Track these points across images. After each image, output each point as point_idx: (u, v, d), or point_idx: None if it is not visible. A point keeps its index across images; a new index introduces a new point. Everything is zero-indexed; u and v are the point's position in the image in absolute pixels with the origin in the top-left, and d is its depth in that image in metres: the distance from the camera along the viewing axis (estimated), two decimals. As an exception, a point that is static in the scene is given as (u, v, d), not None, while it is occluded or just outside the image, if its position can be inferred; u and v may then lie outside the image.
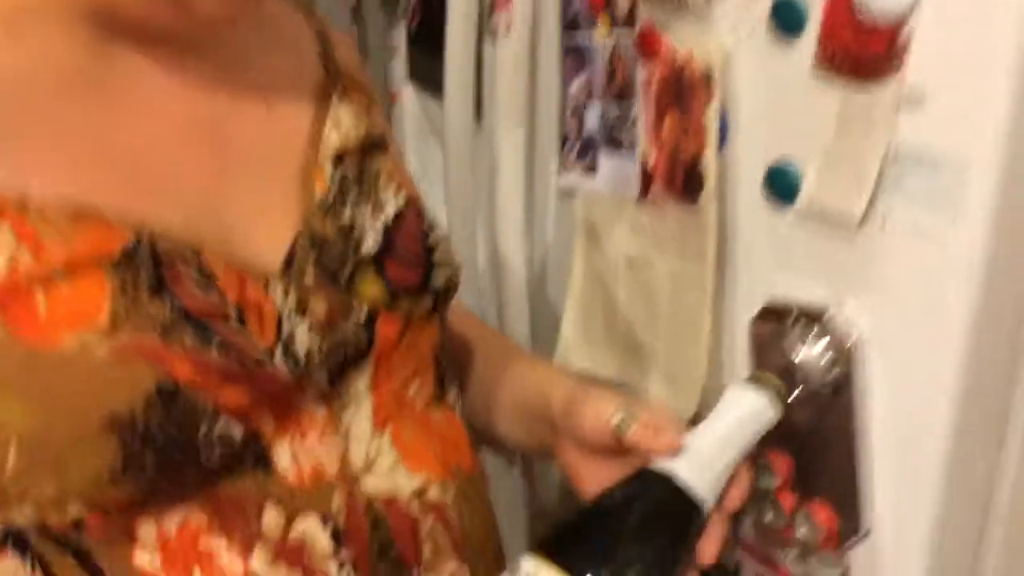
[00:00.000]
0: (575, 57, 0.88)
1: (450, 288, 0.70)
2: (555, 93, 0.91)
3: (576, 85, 0.89)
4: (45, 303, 0.51)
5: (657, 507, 0.59)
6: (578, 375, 0.84)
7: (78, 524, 0.54)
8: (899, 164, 0.58)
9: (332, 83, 0.72)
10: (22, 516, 0.54)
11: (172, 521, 0.56)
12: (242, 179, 0.63)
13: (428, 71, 1.19)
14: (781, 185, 0.67)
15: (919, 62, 0.56)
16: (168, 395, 0.53)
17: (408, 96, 1.30)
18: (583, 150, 0.89)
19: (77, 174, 0.55)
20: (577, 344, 0.92)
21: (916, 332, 0.61)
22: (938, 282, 0.58)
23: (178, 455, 0.54)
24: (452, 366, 0.75)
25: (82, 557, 0.56)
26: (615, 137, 0.84)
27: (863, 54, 0.59)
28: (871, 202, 0.60)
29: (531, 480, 1.00)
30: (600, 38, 0.84)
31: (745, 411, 0.62)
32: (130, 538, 0.55)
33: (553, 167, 0.93)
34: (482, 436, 0.76)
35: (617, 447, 0.64)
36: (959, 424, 0.59)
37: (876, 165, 0.59)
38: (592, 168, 0.87)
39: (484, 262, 1.04)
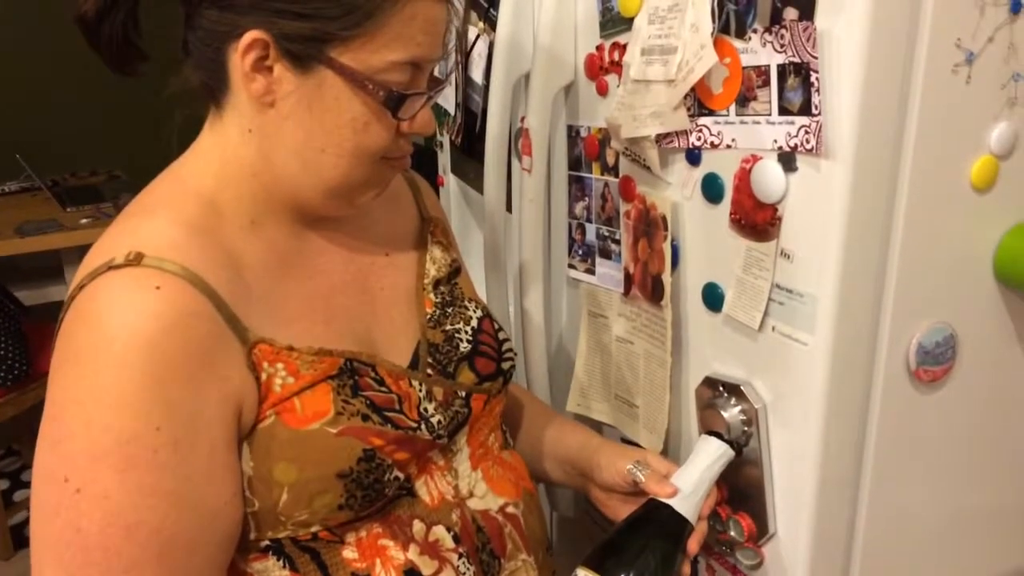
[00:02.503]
0: (578, 187, 1.14)
1: (512, 371, 0.94)
2: (564, 212, 1.17)
3: (579, 208, 1.14)
4: (300, 406, 0.73)
5: (661, 525, 0.87)
6: (590, 424, 1.10)
7: (314, 535, 0.76)
8: (778, 295, 0.85)
9: (425, 226, 0.95)
10: (283, 532, 0.75)
11: (363, 530, 0.78)
12: (381, 309, 0.85)
13: (467, 168, 1.49)
14: (712, 299, 0.93)
15: (788, 231, 0.82)
16: (368, 457, 0.75)
17: (451, 182, 1.59)
18: (585, 255, 1.14)
19: (302, 323, 0.77)
20: (583, 397, 1.17)
21: (793, 401, 0.86)
22: (804, 370, 0.84)
23: (373, 493, 0.76)
24: (507, 420, 0.98)
25: (312, 553, 0.77)
26: (606, 249, 1.10)
27: (756, 221, 0.85)
28: (764, 317, 0.86)
29: (552, 496, 1.26)
30: (595, 178, 1.10)
31: (712, 455, 0.88)
32: (341, 541, 0.78)
33: (565, 262, 1.18)
34: (530, 472, 0.98)
35: (631, 488, 0.90)
36: (823, 461, 0.85)
37: (766, 294, 0.85)
38: (592, 269, 1.13)
39: (513, 329, 1.28)
